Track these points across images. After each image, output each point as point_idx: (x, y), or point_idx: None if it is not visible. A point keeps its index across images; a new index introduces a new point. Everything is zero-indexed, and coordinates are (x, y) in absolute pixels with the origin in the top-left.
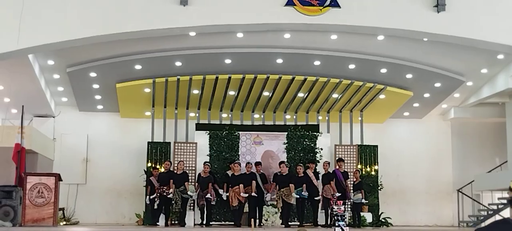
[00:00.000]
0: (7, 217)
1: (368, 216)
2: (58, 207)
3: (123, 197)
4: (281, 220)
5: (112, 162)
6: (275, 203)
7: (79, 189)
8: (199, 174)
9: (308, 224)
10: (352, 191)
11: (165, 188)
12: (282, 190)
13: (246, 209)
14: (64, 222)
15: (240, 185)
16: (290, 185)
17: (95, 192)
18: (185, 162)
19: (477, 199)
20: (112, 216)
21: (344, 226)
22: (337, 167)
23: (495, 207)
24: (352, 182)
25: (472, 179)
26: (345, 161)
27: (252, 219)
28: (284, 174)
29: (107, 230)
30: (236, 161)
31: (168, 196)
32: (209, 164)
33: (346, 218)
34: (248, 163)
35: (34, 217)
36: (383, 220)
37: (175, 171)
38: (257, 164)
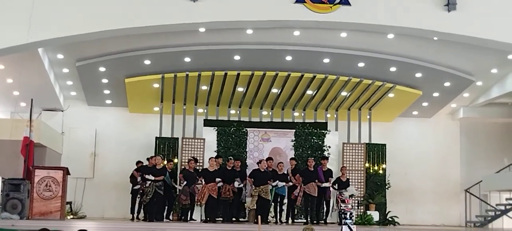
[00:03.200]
0: (14, 210)
1: (375, 215)
2: (66, 200)
3: (130, 191)
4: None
5: (120, 156)
6: (250, 199)
7: (87, 183)
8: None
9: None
10: (335, 188)
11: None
12: (261, 187)
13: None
14: (71, 216)
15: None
16: (268, 181)
17: (103, 186)
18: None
19: (485, 199)
20: (119, 210)
21: (351, 224)
22: (321, 165)
23: (502, 208)
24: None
25: (480, 179)
26: (353, 159)
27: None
28: (262, 170)
29: (114, 225)
30: (213, 157)
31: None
32: (193, 158)
33: (353, 216)
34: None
35: (41, 210)
36: (390, 218)
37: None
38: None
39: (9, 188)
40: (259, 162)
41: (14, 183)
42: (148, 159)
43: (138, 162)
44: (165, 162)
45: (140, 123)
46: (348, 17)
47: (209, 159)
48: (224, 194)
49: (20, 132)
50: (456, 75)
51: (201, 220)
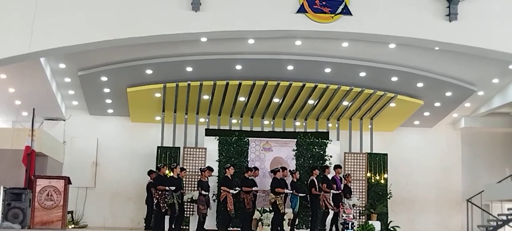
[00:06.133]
0: (16, 219)
1: (376, 225)
2: (67, 210)
3: (132, 201)
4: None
5: (122, 166)
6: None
7: (88, 192)
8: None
9: None
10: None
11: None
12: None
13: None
14: (73, 225)
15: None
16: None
17: (104, 195)
18: (195, 167)
19: (487, 209)
20: (121, 220)
21: None
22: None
23: (504, 218)
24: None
25: (481, 189)
26: (355, 169)
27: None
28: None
29: None
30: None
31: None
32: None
33: (355, 225)
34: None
35: (43, 219)
36: (391, 228)
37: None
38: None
39: (11, 197)
40: (277, 171)
41: (16, 192)
42: (159, 168)
43: (152, 172)
44: (179, 171)
45: (141, 132)
46: (349, 27)
47: (229, 167)
48: (248, 205)
49: (22, 141)
50: (458, 85)
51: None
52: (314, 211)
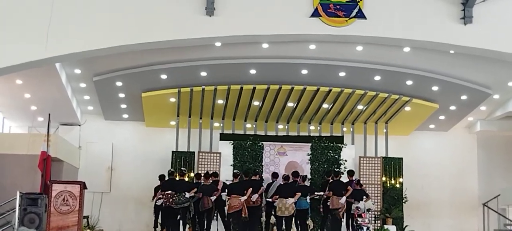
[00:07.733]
0: (32, 224)
1: (392, 229)
2: (83, 215)
3: (147, 206)
4: None
5: (137, 170)
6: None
7: (104, 197)
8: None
9: None
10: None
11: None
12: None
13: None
14: (88, 230)
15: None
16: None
17: (119, 200)
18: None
19: (503, 214)
20: (136, 225)
21: None
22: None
23: None
24: None
25: (498, 193)
26: (370, 173)
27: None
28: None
29: None
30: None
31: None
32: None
33: (370, 230)
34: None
35: (59, 224)
36: None
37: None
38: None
39: (27, 202)
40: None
41: (32, 197)
42: (171, 173)
43: (163, 177)
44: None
45: (156, 137)
46: (363, 30)
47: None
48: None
49: (38, 147)
50: (473, 89)
51: None
52: (325, 217)
